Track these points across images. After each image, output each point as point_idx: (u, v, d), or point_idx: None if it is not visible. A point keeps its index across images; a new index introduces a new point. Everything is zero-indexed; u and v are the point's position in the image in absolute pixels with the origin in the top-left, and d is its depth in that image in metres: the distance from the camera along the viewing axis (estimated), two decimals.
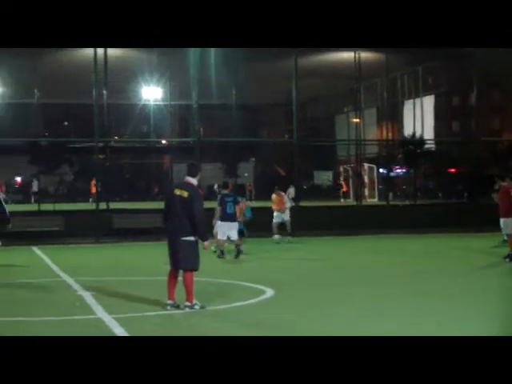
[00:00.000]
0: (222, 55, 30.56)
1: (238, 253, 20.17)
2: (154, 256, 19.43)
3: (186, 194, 11.44)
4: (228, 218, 20.15)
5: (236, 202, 20.43)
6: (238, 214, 20.69)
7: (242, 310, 11.67)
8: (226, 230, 20.11)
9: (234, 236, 20.21)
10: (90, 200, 38.65)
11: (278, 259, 20.48)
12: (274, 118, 63.36)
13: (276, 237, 25.05)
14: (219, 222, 20.28)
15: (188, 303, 11.47)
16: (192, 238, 11.41)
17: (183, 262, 11.44)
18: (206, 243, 11.66)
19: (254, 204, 31.37)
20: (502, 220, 19.01)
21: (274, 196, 25.54)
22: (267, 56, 32.51)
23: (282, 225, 25.46)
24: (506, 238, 19.70)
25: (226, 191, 20.68)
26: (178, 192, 11.59)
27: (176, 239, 11.46)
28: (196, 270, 11.56)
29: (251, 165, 59.11)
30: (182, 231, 11.41)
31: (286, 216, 25.48)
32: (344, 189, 50.35)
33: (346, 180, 51.53)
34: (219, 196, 20.98)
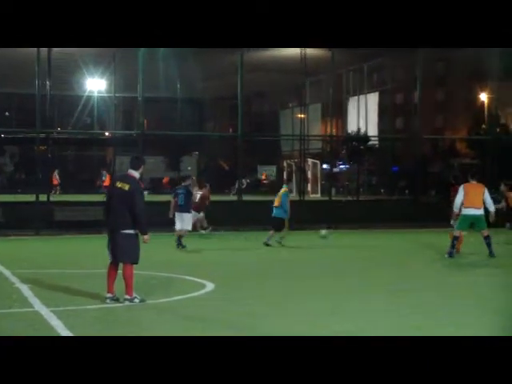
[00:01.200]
0: (168, 48, 30.35)
1: (179, 244, 20.82)
2: (94, 249, 19.23)
3: (127, 186, 11.39)
4: (179, 209, 21.07)
5: (190, 194, 21.31)
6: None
7: (182, 304, 11.63)
8: (178, 221, 21.02)
9: (184, 227, 20.93)
10: (52, 192, 37.99)
11: (221, 253, 20.45)
12: (220, 113, 63.25)
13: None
14: (176, 213, 21.23)
15: (127, 296, 11.41)
16: (132, 231, 11.37)
17: (123, 254, 11.39)
18: (145, 236, 11.57)
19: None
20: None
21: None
22: (214, 50, 32.36)
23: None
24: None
25: (187, 183, 21.71)
26: (119, 185, 11.53)
27: (116, 232, 11.42)
28: (136, 263, 11.51)
29: (195, 158, 58.91)
30: (122, 224, 11.36)
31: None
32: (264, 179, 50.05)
33: (291, 174, 51.63)
34: (174, 189, 22.16)
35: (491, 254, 18.12)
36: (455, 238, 18.34)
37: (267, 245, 21.69)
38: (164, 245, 21.01)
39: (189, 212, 21.13)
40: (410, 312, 10.88)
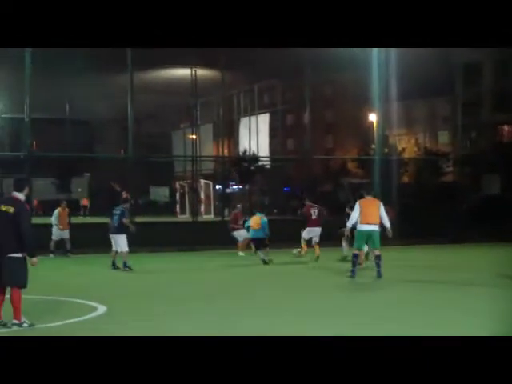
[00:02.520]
0: (56, 68, 29.93)
1: (125, 267, 20.76)
2: None
3: (11, 209, 11.12)
4: (113, 230, 20.97)
5: (123, 215, 20.82)
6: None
7: (73, 328, 11.39)
8: (113, 242, 20.92)
9: (119, 249, 20.81)
10: None
11: (112, 275, 20.18)
12: (110, 134, 62.67)
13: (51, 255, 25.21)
14: (110, 235, 21.07)
15: (16, 321, 11.11)
16: (19, 255, 11.09)
17: (10, 279, 11.10)
18: (34, 259, 11.31)
19: (90, 220, 30.79)
20: None
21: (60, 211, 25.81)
22: (103, 70, 32.14)
23: (60, 242, 25.73)
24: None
25: (125, 205, 21.39)
26: (3, 208, 11.24)
27: (3, 256, 11.11)
28: (24, 287, 11.23)
29: (86, 180, 58.14)
30: (8, 248, 11.07)
31: (66, 234, 25.66)
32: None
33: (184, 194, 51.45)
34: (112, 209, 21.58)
35: (379, 275, 17.80)
36: (354, 256, 18.10)
37: (265, 262, 22.79)
38: (55, 267, 20.64)
39: (122, 233, 20.76)
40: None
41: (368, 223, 17.80)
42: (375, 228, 17.90)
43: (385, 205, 23.15)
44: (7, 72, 31.14)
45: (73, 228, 26.07)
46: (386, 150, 39.51)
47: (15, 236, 11.03)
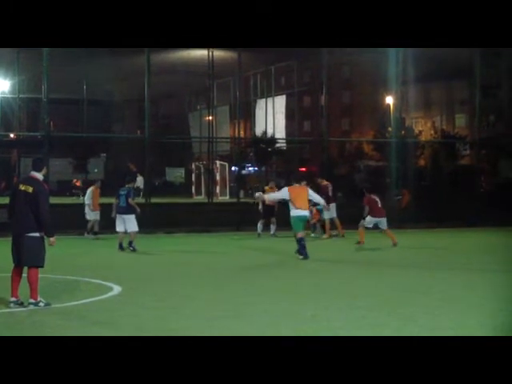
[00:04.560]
0: (74, 48, 29.93)
1: (130, 247, 20.79)
2: None
3: (30, 189, 11.23)
4: (120, 210, 20.82)
5: (129, 196, 20.71)
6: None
7: (89, 308, 11.50)
8: (120, 223, 20.78)
9: (128, 229, 20.72)
10: None
11: (127, 256, 20.27)
12: (127, 114, 62.75)
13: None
14: (117, 215, 20.94)
15: (32, 300, 11.24)
16: (37, 234, 11.20)
17: (27, 258, 11.22)
18: (52, 239, 11.43)
19: (106, 200, 30.85)
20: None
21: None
22: (120, 51, 32.12)
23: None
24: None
25: (131, 184, 21.47)
26: (22, 187, 11.36)
27: (21, 235, 11.24)
28: (41, 266, 11.35)
29: (102, 161, 58.24)
30: (26, 227, 11.19)
31: (98, 215, 25.28)
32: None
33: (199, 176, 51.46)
34: (118, 190, 21.39)
35: (305, 256, 18.61)
36: (301, 239, 18.76)
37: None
38: (71, 247, 20.77)
39: (131, 213, 20.71)
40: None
41: (301, 209, 18.93)
42: (307, 213, 19.53)
43: (401, 188, 23.30)
44: (25, 52, 31.20)
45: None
46: (403, 132, 39.33)
47: (33, 215, 11.13)
